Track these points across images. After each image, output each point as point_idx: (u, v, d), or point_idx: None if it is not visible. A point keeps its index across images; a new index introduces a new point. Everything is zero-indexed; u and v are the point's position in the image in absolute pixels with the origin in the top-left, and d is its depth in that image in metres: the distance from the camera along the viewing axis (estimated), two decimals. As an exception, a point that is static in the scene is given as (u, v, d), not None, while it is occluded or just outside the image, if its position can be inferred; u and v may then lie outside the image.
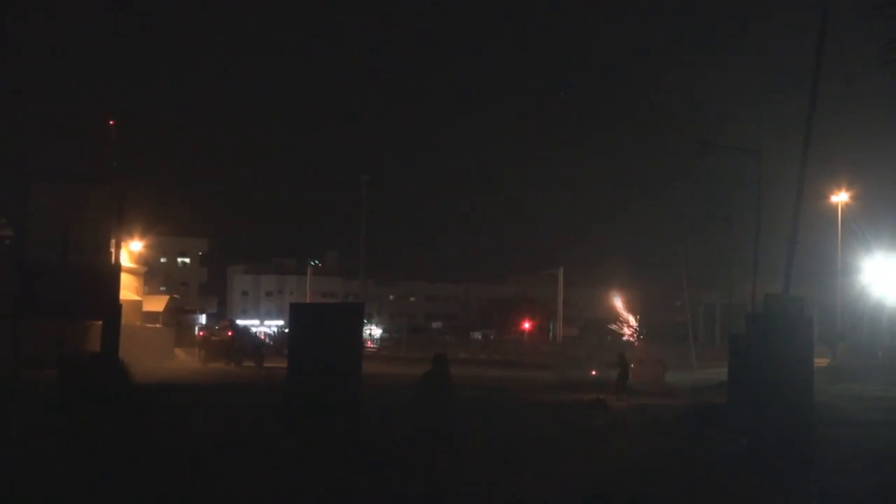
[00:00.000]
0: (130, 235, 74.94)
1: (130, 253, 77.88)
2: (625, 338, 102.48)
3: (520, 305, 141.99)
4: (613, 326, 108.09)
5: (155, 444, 21.88)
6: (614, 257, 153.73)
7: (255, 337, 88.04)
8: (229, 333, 76.50)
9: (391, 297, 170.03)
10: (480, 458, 20.56)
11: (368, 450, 20.87)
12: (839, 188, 70.45)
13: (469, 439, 21.58)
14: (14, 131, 76.89)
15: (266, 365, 65.77)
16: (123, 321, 36.91)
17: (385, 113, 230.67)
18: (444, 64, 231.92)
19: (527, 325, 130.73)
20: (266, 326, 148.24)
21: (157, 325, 78.96)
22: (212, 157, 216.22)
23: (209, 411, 29.62)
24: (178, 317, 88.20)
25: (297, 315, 25.61)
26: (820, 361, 60.10)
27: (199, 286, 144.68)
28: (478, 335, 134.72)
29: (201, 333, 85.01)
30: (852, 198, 71.30)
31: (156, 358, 67.59)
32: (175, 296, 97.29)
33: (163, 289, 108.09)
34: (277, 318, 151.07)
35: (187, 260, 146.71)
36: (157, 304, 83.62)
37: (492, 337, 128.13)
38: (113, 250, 37.54)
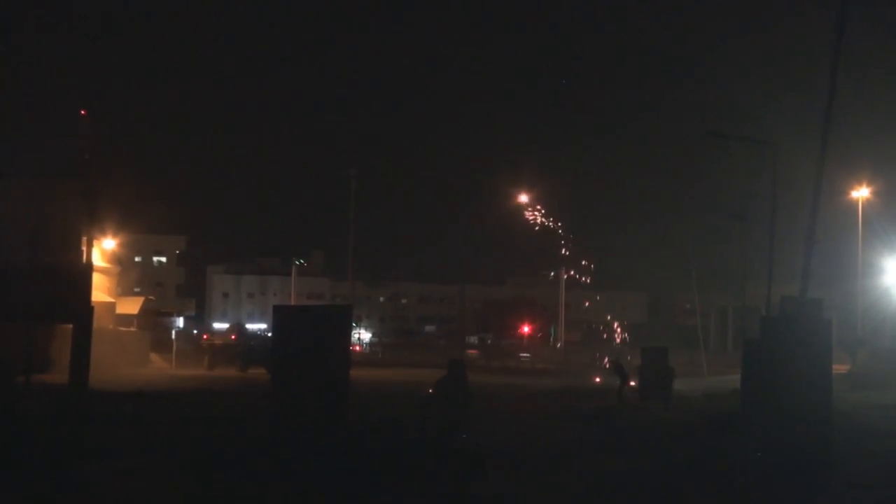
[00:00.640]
0: (103, 233, 74.87)
1: (103, 251, 77.85)
2: (617, 342, 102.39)
3: (519, 308, 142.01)
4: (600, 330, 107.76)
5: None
6: (620, 257, 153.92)
7: (266, 341, 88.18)
8: (232, 337, 76.62)
9: (381, 298, 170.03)
10: (486, 467, 20.63)
11: (358, 461, 20.88)
12: (860, 183, 70.42)
13: (481, 445, 21.68)
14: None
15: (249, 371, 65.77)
16: (95, 324, 36.82)
17: (375, 106, 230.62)
18: (438, 58, 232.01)
19: (526, 329, 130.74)
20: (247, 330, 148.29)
21: (132, 329, 78.91)
22: (190, 151, 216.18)
23: (175, 422, 29.56)
24: (153, 320, 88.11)
25: (281, 318, 25.54)
26: (839, 368, 60.26)
27: (177, 287, 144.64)
28: (474, 339, 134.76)
29: (205, 337, 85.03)
30: (874, 193, 71.27)
31: (130, 363, 67.56)
32: (150, 297, 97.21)
33: (137, 290, 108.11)
34: (260, 321, 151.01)
35: (164, 259, 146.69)
36: (131, 306, 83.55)
37: (489, 341, 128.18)
38: (84, 248, 37.39)
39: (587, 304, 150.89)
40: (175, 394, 41.68)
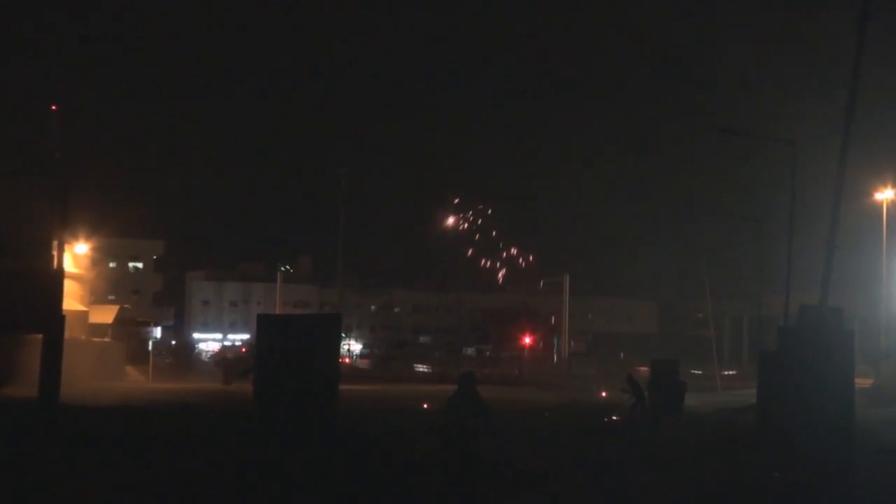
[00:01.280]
0: (75, 236, 74.77)
1: (75, 256, 77.73)
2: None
3: (519, 318, 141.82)
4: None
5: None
6: (628, 263, 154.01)
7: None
8: (243, 350, 76.79)
9: (373, 307, 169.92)
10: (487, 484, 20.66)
11: (349, 478, 20.89)
12: (884, 185, 70.31)
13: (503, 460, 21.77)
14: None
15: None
16: (67, 334, 36.74)
17: (367, 107, 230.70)
18: (434, 59, 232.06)
19: (527, 340, 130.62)
20: (229, 341, 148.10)
21: (106, 339, 78.82)
22: (169, 151, 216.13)
23: (152, 438, 29.50)
24: (129, 329, 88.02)
25: (266, 328, 25.53)
26: (861, 382, 60.15)
27: (154, 295, 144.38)
28: (471, 351, 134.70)
29: (215, 350, 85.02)
30: (900, 195, 71.14)
31: (104, 376, 67.43)
32: (126, 305, 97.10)
33: (112, 298, 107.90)
34: (243, 330, 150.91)
35: (140, 265, 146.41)
36: (105, 314, 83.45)
37: (487, 353, 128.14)
38: (55, 253, 37.36)
39: (589, 316, 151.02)
40: (151, 409, 41.61)
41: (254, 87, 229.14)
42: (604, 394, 65.37)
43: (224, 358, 77.79)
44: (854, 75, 28.71)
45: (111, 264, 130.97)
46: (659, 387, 45.25)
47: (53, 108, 52.64)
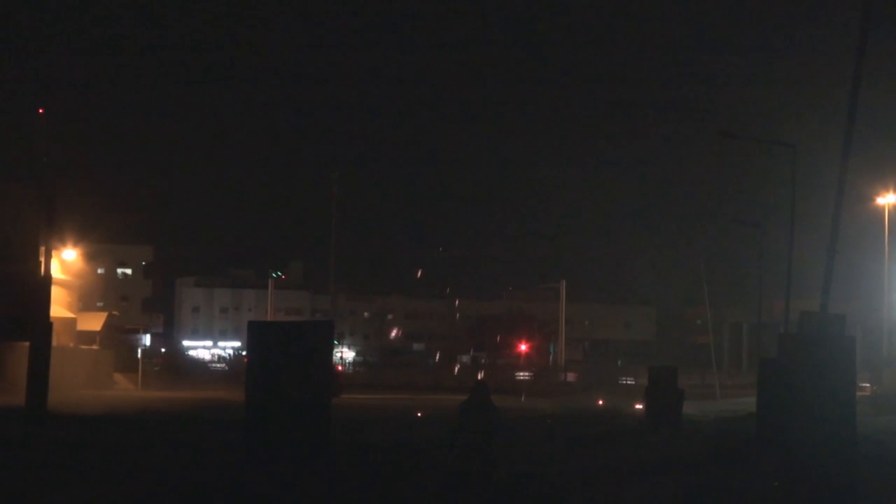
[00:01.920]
0: (63, 242, 74.70)
1: (62, 262, 77.66)
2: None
3: (515, 324, 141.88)
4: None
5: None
6: (626, 269, 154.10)
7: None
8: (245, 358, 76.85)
9: (366, 314, 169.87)
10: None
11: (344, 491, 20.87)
12: (886, 189, 70.38)
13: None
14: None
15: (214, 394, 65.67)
16: (55, 342, 36.72)
17: (362, 111, 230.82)
18: (430, 61, 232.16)
19: (523, 347, 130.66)
20: (220, 348, 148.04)
21: (94, 347, 78.77)
22: (159, 155, 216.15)
23: (141, 448, 29.46)
24: (118, 337, 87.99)
25: (257, 335, 25.48)
26: (863, 390, 60.29)
27: (143, 301, 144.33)
28: (466, 358, 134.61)
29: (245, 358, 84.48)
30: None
31: (92, 384, 67.41)
32: (114, 312, 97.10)
33: (100, 304, 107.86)
34: (234, 338, 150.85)
35: (129, 271, 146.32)
36: (93, 321, 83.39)
37: (483, 360, 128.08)
38: (42, 259, 37.29)
39: (586, 323, 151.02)
40: (140, 418, 41.54)
41: (246, 91, 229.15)
42: (601, 402, 65.36)
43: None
44: (855, 78, 28.69)
45: (99, 270, 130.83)
46: (656, 395, 45.18)
47: (40, 111, 52.54)
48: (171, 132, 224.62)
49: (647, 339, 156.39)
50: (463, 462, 19.46)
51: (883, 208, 70.56)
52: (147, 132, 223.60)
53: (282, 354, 23.96)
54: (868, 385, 66.29)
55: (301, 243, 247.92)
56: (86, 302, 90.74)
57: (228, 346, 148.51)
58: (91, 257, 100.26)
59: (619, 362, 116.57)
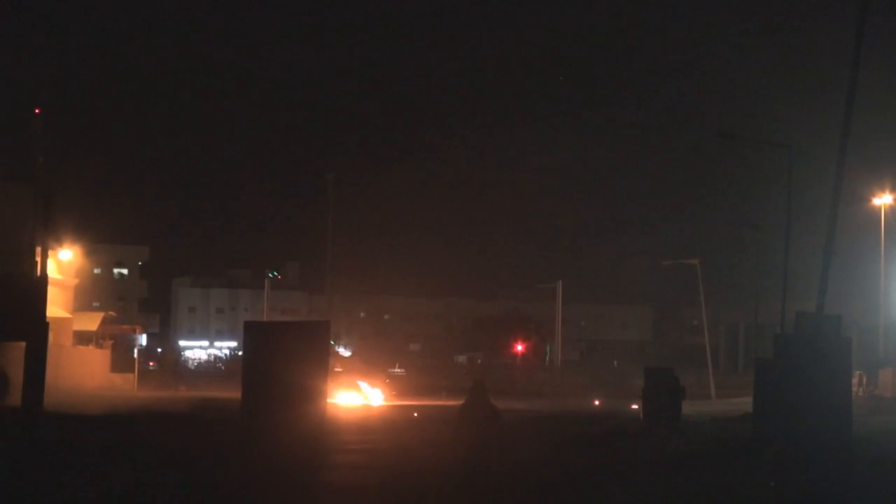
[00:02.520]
0: (59, 242, 74.65)
1: (59, 262, 77.59)
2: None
3: (511, 325, 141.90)
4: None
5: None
6: (622, 269, 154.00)
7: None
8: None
9: (362, 314, 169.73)
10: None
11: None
12: (882, 190, 70.39)
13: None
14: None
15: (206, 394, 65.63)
16: (51, 342, 36.69)
17: (357, 110, 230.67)
18: (426, 58, 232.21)
19: (519, 348, 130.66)
20: (216, 348, 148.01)
21: (90, 347, 78.71)
22: (155, 155, 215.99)
23: (139, 448, 29.45)
24: (114, 337, 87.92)
25: (253, 335, 25.50)
26: (858, 390, 60.29)
27: (140, 301, 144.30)
28: (462, 359, 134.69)
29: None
30: (898, 200, 71.19)
31: (88, 384, 67.38)
32: (111, 313, 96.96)
33: (97, 304, 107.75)
34: (230, 338, 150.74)
35: (125, 271, 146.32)
36: (89, 321, 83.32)
37: (479, 361, 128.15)
38: (39, 259, 37.19)
39: (583, 323, 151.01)
40: (136, 418, 41.55)
41: (241, 91, 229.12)
42: (597, 402, 65.38)
43: None
44: (852, 79, 28.73)
45: (96, 270, 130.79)
46: (653, 395, 45.15)
47: (37, 111, 52.52)
48: (168, 132, 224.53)
49: (644, 340, 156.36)
50: (464, 462, 19.50)
51: (879, 209, 70.59)
52: (144, 133, 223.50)
53: (278, 354, 23.96)
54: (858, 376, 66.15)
55: (297, 244, 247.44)
56: (82, 302, 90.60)
57: (225, 347, 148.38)
58: (88, 257, 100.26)
59: (616, 363, 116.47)
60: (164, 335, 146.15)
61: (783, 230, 46.29)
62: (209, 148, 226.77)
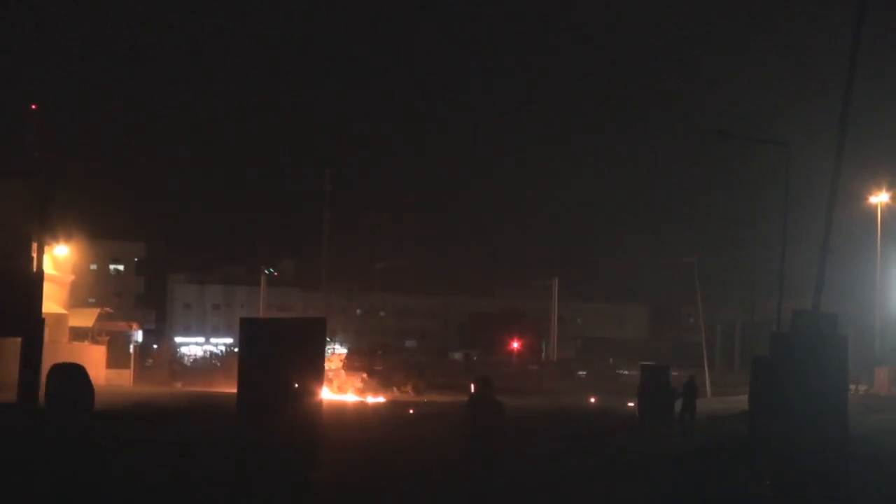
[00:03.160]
0: (55, 238, 74.67)
1: (54, 258, 77.66)
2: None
3: (507, 322, 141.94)
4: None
5: None
6: (618, 266, 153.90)
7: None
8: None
9: (358, 311, 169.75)
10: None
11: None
12: (879, 188, 70.43)
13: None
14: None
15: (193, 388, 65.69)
16: (47, 338, 36.67)
17: (355, 107, 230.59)
18: (422, 54, 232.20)
19: (515, 345, 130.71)
20: (212, 344, 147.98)
21: (86, 343, 78.73)
22: (151, 151, 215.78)
23: (137, 446, 29.42)
24: (110, 333, 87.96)
25: (249, 331, 25.45)
26: (860, 387, 60.33)
27: (135, 297, 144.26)
28: (458, 355, 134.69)
29: (338, 357, 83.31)
30: (894, 198, 71.25)
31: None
32: (107, 309, 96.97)
33: (92, 301, 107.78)
34: (225, 334, 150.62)
35: (121, 267, 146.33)
36: (85, 318, 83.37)
37: (475, 358, 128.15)
38: (35, 255, 37.17)
39: (579, 321, 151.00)
40: (132, 414, 41.55)
41: (239, 85, 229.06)
42: (592, 399, 65.47)
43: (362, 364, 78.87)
44: (849, 76, 28.74)
45: (92, 266, 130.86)
46: (649, 393, 45.18)
47: (33, 107, 52.53)
48: (164, 128, 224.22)
49: (640, 338, 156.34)
50: (467, 459, 19.46)
51: (876, 207, 70.63)
52: (140, 128, 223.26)
53: (274, 351, 23.94)
54: (864, 386, 66.22)
55: (295, 240, 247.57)
56: (78, 298, 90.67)
57: (221, 343, 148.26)
58: (84, 253, 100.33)
59: (612, 360, 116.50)
60: (160, 331, 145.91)
61: (780, 228, 46.34)
62: (206, 144, 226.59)
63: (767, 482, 22.04)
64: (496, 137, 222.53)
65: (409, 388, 71.00)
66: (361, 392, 72.39)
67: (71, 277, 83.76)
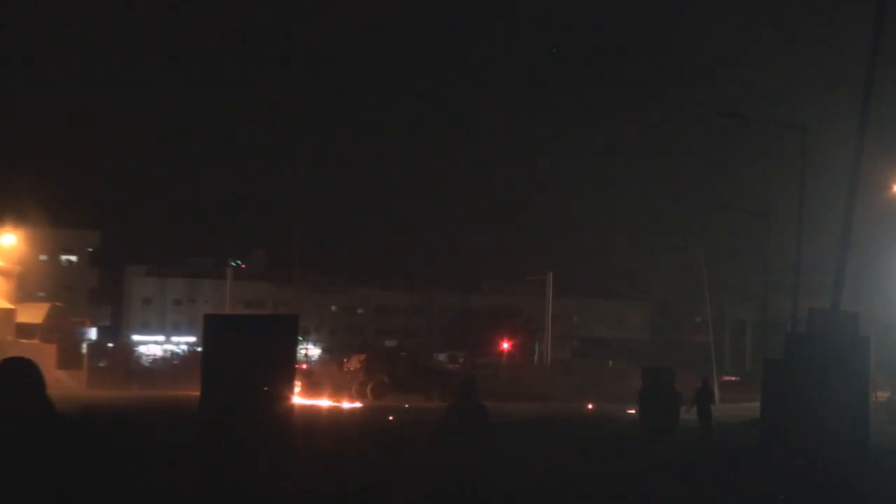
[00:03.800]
0: (2, 226, 74.58)
1: (1, 248, 77.54)
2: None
3: (497, 320, 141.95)
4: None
5: None
6: (618, 261, 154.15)
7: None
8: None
9: (333, 307, 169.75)
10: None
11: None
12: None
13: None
14: None
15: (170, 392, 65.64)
16: (-9, 335, 36.62)
17: (330, 88, 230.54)
18: (417, 45, 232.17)
19: (506, 346, 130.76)
20: (173, 343, 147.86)
21: (35, 341, 78.58)
22: (107, 133, 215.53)
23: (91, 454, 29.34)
24: (61, 330, 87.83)
25: (214, 329, 25.40)
26: (880, 394, 60.35)
27: (89, 291, 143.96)
28: (443, 357, 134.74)
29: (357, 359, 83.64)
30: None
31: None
32: (58, 303, 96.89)
33: (42, 294, 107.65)
34: (188, 332, 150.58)
35: (74, 258, 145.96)
36: (34, 313, 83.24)
37: (461, 359, 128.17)
38: (-22, 244, 37.18)
39: (575, 319, 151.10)
40: (85, 420, 41.48)
41: (206, 69, 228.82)
42: (590, 406, 65.53)
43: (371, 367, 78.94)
44: (871, 57, 28.77)
45: (41, 257, 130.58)
46: (651, 399, 45.23)
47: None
48: (123, 110, 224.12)
49: (642, 338, 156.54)
50: (449, 468, 19.47)
51: (900, 197, 70.70)
52: (96, 109, 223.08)
53: (241, 350, 23.89)
54: (888, 392, 66.35)
55: (265, 230, 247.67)
56: (26, 292, 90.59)
57: (182, 342, 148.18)
58: (32, 243, 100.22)
59: (611, 362, 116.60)
60: (116, 329, 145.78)
61: (795, 220, 46.29)
62: (169, 127, 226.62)
63: (781, 497, 22.07)
64: (487, 123, 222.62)
65: (434, 396, 71.28)
66: (381, 397, 73.03)
67: (18, 269, 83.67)
